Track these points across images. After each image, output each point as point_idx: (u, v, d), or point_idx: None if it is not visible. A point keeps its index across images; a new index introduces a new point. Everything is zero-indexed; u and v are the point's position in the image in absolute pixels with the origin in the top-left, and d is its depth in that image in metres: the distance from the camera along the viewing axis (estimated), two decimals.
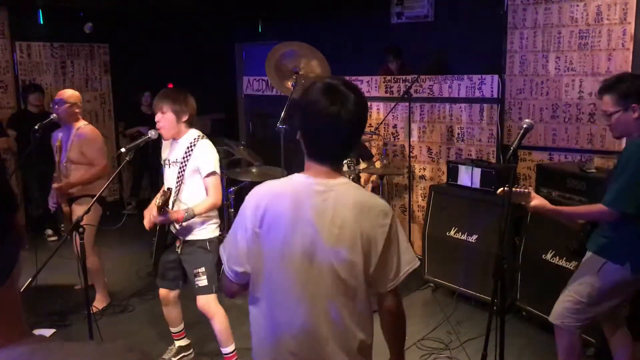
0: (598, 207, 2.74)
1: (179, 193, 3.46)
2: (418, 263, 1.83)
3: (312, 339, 1.73)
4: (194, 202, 3.40)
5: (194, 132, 3.50)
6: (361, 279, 1.72)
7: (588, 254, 2.94)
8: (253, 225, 1.76)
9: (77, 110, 4.51)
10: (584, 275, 2.90)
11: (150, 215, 3.41)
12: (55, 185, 4.43)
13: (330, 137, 1.74)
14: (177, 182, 3.45)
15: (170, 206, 3.38)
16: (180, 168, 3.43)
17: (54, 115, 4.49)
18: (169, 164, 3.52)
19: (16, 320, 0.87)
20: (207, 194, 3.42)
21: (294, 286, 1.72)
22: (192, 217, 3.35)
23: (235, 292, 1.87)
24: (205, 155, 3.41)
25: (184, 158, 3.42)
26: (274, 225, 1.73)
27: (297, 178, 1.80)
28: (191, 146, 3.42)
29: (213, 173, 3.41)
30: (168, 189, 3.36)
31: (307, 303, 1.72)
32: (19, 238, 0.88)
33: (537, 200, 2.84)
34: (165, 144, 3.68)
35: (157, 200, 3.34)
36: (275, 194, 1.78)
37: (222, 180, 3.97)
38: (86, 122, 4.60)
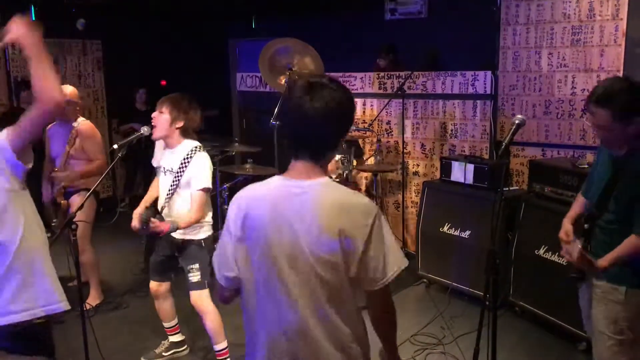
0: (634, 242, 2.50)
1: (171, 202, 3.46)
2: (406, 263, 1.79)
3: (305, 341, 1.73)
4: (184, 212, 3.41)
5: (192, 143, 3.49)
6: (344, 278, 1.70)
7: (600, 283, 2.65)
8: (235, 230, 1.77)
9: (76, 107, 4.54)
10: (608, 310, 2.63)
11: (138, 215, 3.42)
12: (60, 174, 4.40)
13: (303, 131, 1.73)
14: (169, 191, 3.45)
15: (160, 211, 3.39)
16: (175, 177, 3.43)
17: None
18: (164, 171, 3.52)
19: None
20: (190, 206, 3.40)
21: (280, 290, 1.72)
22: (175, 230, 3.36)
23: (229, 297, 1.88)
24: (201, 169, 3.40)
25: (180, 168, 3.41)
26: (254, 229, 1.73)
27: (275, 181, 1.79)
28: (188, 157, 3.42)
29: (205, 189, 3.40)
30: (152, 206, 3.38)
31: (295, 306, 1.71)
32: None
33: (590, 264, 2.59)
34: (158, 148, 3.67)
35: (141, 212, 3.33)
36: (254, 198, 1.78)
37: (215, 178, 3.97)
38: (84, 119, 4.62)
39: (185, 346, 3.96)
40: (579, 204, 2.89)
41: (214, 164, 3.68)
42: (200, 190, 3.38)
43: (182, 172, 3.41)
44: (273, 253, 1.70)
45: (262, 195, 1.77)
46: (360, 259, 1.68)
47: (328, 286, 1.69)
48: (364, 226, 1.68)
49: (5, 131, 2.22)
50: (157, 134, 3.46)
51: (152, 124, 3.44)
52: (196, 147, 3.47)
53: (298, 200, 1.70)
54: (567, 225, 2.81)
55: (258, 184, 1.85)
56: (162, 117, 3.42)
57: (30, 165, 2.29)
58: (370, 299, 1.81)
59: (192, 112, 3.49)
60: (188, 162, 3.41)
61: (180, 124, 3.43)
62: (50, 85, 2.15)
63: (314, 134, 1.72)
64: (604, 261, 2.53)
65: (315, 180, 1.73)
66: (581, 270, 2.72)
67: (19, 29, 2.32)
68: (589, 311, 2.75)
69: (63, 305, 2.35)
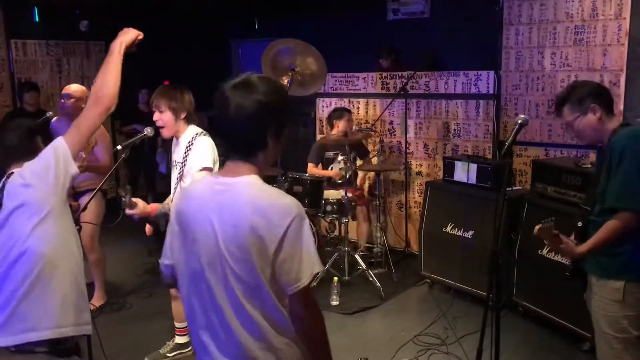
0: (615, 221, 2.47)
1: (177, 193, 3.44)
2: (321, 269, 1.74)
3: (230, 340, 1.71)
4: None
5: (193, 130, 3.45)
6: (259, 278, 1.66)
7: (595, 280, 2.63)
8: (172, 223, 1.83)
9: (83, 105, 4.55)
10: (608, 308, 2.59)
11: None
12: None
13: (228, 130, 1.72)
14: (176, 182, 3.44)
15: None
16: (180, 169, 3.42)
17: (50, 113, 4.56)
18: (175, 165, 3.51)
19: None
20: None
21: (204, 287, 1.72)
22: (168, 211, 3.20)
23: (169, 283, 1.91)
24: (200, 151, 3.33)
25: (183, 158, 3.40)
26: (182, 224, 1.77)
27: (205, 179, 1.83)
28: (189, 145, 3.39)
29: (206, 169, 3.27)
30: (128, 185, 3.34)
31: (217, 304, 1.70)
32: None
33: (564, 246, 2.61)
34: (173, 145, 3.66)
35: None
36: (186, 196, 1.83)
37: None
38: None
39: (190, 347, 3.96)
40: None
41: None
42: (202, 170, 3.25)
43: (185, 161, 3.39)
44: (196, 248, 1.73)
45: (191, 192, 1.83)
46: (272, 259, 1.65)
47: (246, 285, 1.67)
48: (277, 227, 1.64)
49: (61, 140, 2.29)
50: (166, 133, 3.45)
51: (157, 125, 3.44)
52: (197, 134, 3.42)
53: (219, 198, 1.71)
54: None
55: (196, 182, 1.92)
56: (164, 116, 3.40)
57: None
58: (289, 304, 1.73)
59: (186, 96, 3.46)
60: (190, 150, 3.38)
61: (183, 114, 3.42)
62: (114, 82, 2.41)
63: (238, 132, 1.71)
64: (583, 246, 2.56)
65: (241, 177, 1.71)
66: (576, 269, 2.72)
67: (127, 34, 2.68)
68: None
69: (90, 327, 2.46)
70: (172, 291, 3.70)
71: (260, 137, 1.71)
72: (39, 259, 2.20)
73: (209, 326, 1.74)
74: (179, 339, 3.89)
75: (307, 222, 1.70)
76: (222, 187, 1.72)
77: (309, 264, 1.68)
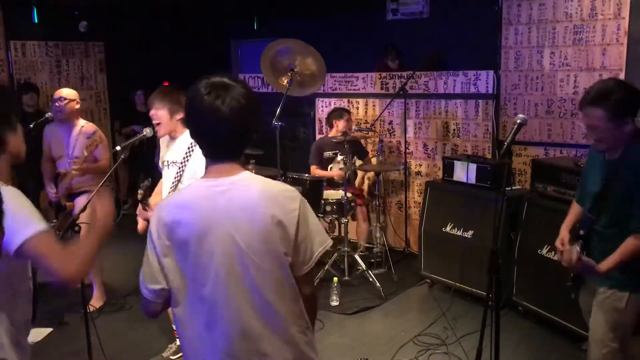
0: (634, 242, 2.46)
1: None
2: (331, 242, 1.82)
3: (248, 339, 1.70)
4: None
5: None
6: (284, 265, 1.71)
7: (602, 289, 2.63)
8: (160, 241, 1.72)
9: (77, 107, 4.61)
10: (609, 317, 2.62)
11: (143, 218, 3.42)
12: (74, 167, 4.38)
13: (217, 131, 1.70)
14: (173, 183, 3.44)
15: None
16: (179, 169, 3.41)
17: (49, 114, 4.58)
18: (168, 165, 3.51)
19: None
20: None
21: (220, 291, 1.69)
22: None
23: (156, 311, 1.84)
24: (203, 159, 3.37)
25: (184, 159, 3.40)
26: (182, 236, 1.69)
27: (196, 184, 1.77)
28: (192, 146, 3.40)
29: None
30: (142, 185, 3.29)
31: (237, 304, 1.69)
32: None
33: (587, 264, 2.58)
34: (162, 145, 3.67)
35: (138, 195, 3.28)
36: (177, 205, 1.74)
37: None
38: (85, 121, 4.70)
39: None
40: (574, 211, 2.86)
41: None
42: None
43: (185, 162, 3.39)
44: (210, 256, 1.68)
45: (184, 201, 1.74)
46: (294, 243, 1.72)
47: (270, 277, 1.68)
48: (292, 210, 1.72)
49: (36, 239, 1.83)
50: (161, 131, 3.46)
51: (154, 123, 3.45)
52: None
53: (223, 199, 1.69)
54: (563, 232, 2.80)
55: (177, 192, 1.87)
56: (160, 115, 3.41)
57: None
58: (298, 285, 1.78)
59: (182, 97, 3.48)
60: (191, 152, 3.39)
61: (179, 114, 3.42)
62: (75, 264, 1.91)
63: (230, 133, 1.71)
64: (604, 265, 2.52)
65: (237, 176, 1.73)
66: (578, 278, 2.72)
67: (105, 206, 2.21)
68: (590, 308, 2.73)
69: None
70: None
71: (250, 134, 1.76)
72: None
73: (229, 334, 1.70)
74: None
75: (306, 200, 1.81)
76: (223, 188, 1.71)
77: (320, 241, 1.78)
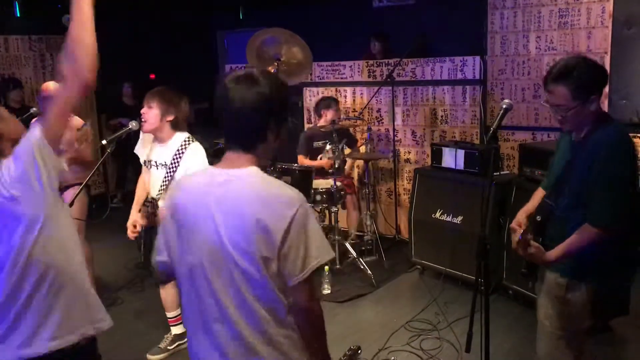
0: (594, 233, 2.35)
1: (165, 194, 3.45)
2: (331, 257, 1.74)
3: (231, 333, 1.72)
4: None
5: (183, 136, 3.50)
6: (263, 269, 1.66)
7: (547, 274, 2.61)
8: (168, 219, 1.81)
9: None
10: (551, 304, 2.59)
11: (132, 226, 3.50)
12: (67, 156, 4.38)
13: (230, 121, 1.75)
14: (163, 184, 3.45)
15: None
16: (169, 171, 3.42)
17: (34, 109, 4.53)
18: (156, 165, 3.52)
19: None
20: None
21: (203, 282, 1.72)
22: None
23: (164, 280, 1.93)
24: (197, 159, 3.41)
25: (173, 161, 3.41)
26: (180, 218, 1.76)
27: (207, 170, 1.84)
28: (181, 149, 3.42)
29: None
30: (152, 199, 3.29)
31: (218, 298, 1.71)
32: None
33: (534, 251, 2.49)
34: (145, 142, 3.66)
35: (142, 208, 3.29)
36: (183, 188, 1.83)
37: None
38: (71, 115, 4.62)
39: None
40: (537, 197, 2.77)
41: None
42: None
43: (176, 164, 3.40)
44: (196, 242, 1.72)
45: (189, 185, 1.82)
46: (278, 250, 1.65)
47: (248, 276, 1.67)
48: (283, 217, 1.64)
49: (38, 134, 1.97)
50: (147, 127, 3.46)
51: (142, 119, 3.45)
52: (188, 139, 3.48)
53: (221, 189, 1.71)
54: (519, 215, 2.71)
55: (193, 174, 1.93)
56: (152, 112, 3.42)
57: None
58: (291, 296, 1.73)
59: (182, 104, 3.51)
60: (181, 154, 3.41)
61: (170, 117, 3.44)
62: (92, 45, 2.08)
63: (240, 123, 1.74)
64: (553, 253, 2.43)
65: (242, 169, 1.73)
66: (532, 266, 2.63)
67: None
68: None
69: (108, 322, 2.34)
70: None
71: (261, 129, 1.75)
72: (46, 270, 1.99)
73: (210, 321, 1.74)
74: (175, 330, 3.89)
75: (312, 213, 1.72)
76: (225, 178, 1.72)
77: (317, 253, 1.69)
